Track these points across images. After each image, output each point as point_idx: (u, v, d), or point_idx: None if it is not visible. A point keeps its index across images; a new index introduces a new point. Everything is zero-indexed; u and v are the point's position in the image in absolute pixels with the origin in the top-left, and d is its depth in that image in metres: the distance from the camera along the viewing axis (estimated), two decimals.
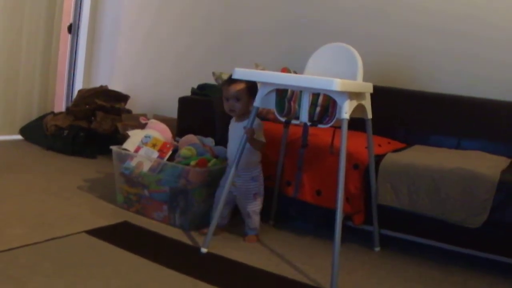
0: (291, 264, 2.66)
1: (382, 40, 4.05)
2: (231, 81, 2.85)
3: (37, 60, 5.35)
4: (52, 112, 5.34)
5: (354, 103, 2.50)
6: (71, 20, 5.92)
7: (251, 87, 2.84)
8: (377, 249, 2.99)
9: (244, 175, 2.89)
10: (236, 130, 2.88)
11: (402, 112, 3.74)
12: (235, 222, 3.09)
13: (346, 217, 2.93)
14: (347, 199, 2.87)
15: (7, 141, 5.00)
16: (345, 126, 2.41)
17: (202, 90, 4.00)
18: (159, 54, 5.50)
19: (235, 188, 2.90)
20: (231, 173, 2.73)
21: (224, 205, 2.78)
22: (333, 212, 2.41)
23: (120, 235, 2.80)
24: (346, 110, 2.40)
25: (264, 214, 3.28)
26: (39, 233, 2.61)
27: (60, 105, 5.95)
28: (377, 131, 3.07)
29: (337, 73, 2.60)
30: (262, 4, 4.73)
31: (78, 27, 5.96)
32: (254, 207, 2.93)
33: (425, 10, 3.88)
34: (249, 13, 4.81)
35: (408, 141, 3.56)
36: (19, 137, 5.17)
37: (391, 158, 2.89)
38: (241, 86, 2.84)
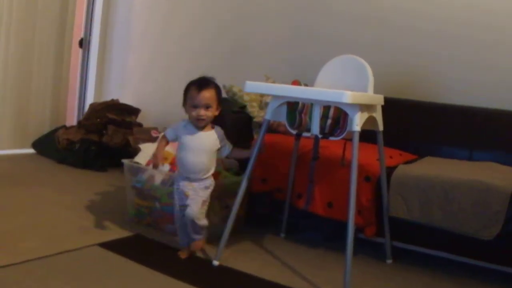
0: (302, 276, 2.65)
1: (393, 51, 4.05)
2: (200, 86, 2.63)
3: (48, 74, 5.40)
4: (64, 126, 5.37)
5: (365, 115, 2.50)
6: (82, 35, 5.97)
7: (220, 93, 2.71)
8: (389, 261, 2.98)
9: (199, 185, 2.71)
10: (197, 140, 2.69)
11: (413, 123, 3.73)
12: (247, 234, 3.09)
13: (358, 229, 2.92)
14: (358, 211, 2.87)
15: (20, 155, 5.03)
16: (356, 138, 2.41)
17: None
18: (169, 68, 5.53)
19: (187, 198, 2.70)
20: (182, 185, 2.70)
21: (181, 225, 2.76)
22: (344, 224, 2.41)
23: (132, 248, 2.80)
24: (357, 122, 2.40)
25: (275, 226, 3.29)
26: (52, 246, 2.62)
27: (72, 119, 5.99)
28: (389, 143, 3.06)
29: (348, 85, 2.61)
30: (272, 16, 4.75)
31: (89, 42, 6.01)
32: (198, 211, 2.68)
33: (436, 21, 3.87)
34: (259, 25, 4.83)
35: (420, 153, 3.55)
36: (32, 150, 5.20)
37: (402, 170, 2.89)
38: (212, 92, 2.65)
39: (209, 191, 2.75)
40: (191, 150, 2.68)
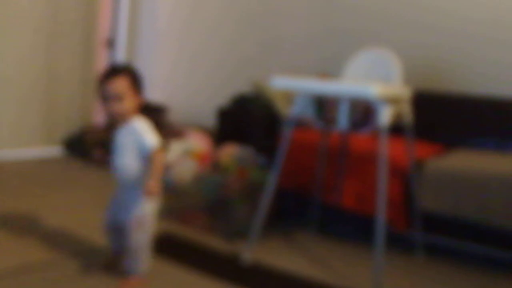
0: (333, 271, 2.64)
1: (420, 43, 4.00)
2: (108, 75, 2.20)
3: (76, 75, 5.45)
4: (92, 126, 5.42)
5: (393, 108, 2.48)
6: (108, 35, 6.02)
7: (135, 80, 2.24)
8: (421, 255, 2.95)
9: (132, 193, 2.23)
10: (120, 137, 2.26)
11: (443, 116, 3.69)
12: (276, 230, 3.08)
13: (388, 223, 2.90)
14: (388, 205, 2.85)
15: (49, 155, 5.08)
16: (384, 131, 2.40)
17: (241, 98, 4.01)
18: (195, 65, 5.54)
19: (121, 210, 2.28)
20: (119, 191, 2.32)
21: (111, 227, 2.36)
22: (374, 219, 2.39)
23: (162, 245, 2.82)
24: (385, 115, 2.38)
25: (304, 221, 3.28)
26: (86, 246, 2.66)
27: (100, 119, 6.04)
28: (418, 136, 3.03)
29: (375, 78, 2.60)
30: (299, 11, 4.73)
31: (116, 42, 6.06)
32: (136, 236, 2.22)
33: (463, 15, 3.82)
34: (286, 19, 4.81)
35: (450, 146, 3.51)
36: (62, 150, 5.26)
37: (433, 163, 2.86)
38: (122, 81, 2.18)
39: (142, 204, 2.22)
40: (116, 150, 2.27)
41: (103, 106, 2.23)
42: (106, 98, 2.19)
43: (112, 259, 2.40)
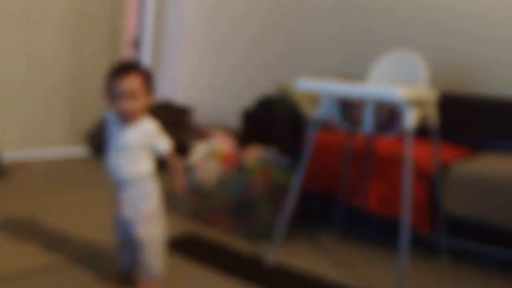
0: (356, 273, 2.64)
1: (445, 46, 3.97)
2: (121, 72, 2.12)
3: (101, 75, 5.49)
4: None
5: (419, 111, 2.47)
6: (134, 35, 6.07)
7: (147, 78, 2.16)
8: (445, 259, 2.93)
9: (133, 194, 2.17)
10: (122, 136, 2.16)
11: (468, 118, 3.65)
12: (300, 231, 3.09)
13: (413, 227, 2.88)
14: (413, 208, 2.83)
15: (75, 154, 5.14)
16: (410, 134, 2.39)
17: (266, 100, 4.02)
18: (220, 66, 5.57)
19: (124, 212, 2.20)
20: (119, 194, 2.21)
21: (122, 239, 2.26)
22: (399, 222, 2.39)
23: (186, 246, 2.84)
24: (410, 118, 2.37)
25: (329, 223, 3.28)
26: (109, 245, 2.69)
27: None
28: (444, 139, 3.01)
29: (401, 80, 2.59)
30: (323, 12, 4.72)
31: (142, 42, 6.11)
32: (146, 233, 2.17)
33: (489, 17, 3.79)
34: (311, 21, 4.80)
35: (475, 148, 3.47)
36: (86, 149, 5.31)
37: (458, 167, 2.84)
38: (136, 78, 2.10)
39: (150, 201, 2.20)
40: (113, 148, 2.20)
41: (112, 104, 2.14)
42: (117, 95, 2.10)
43: (125, 276, 2.29)
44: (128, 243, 2.22)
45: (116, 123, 2.18)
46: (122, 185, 2.17)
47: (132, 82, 2.09)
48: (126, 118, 2.13)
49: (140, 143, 2.14)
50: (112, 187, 2.24)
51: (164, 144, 2.18)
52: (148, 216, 2.16)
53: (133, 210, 2.16)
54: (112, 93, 2.12)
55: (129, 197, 2.17)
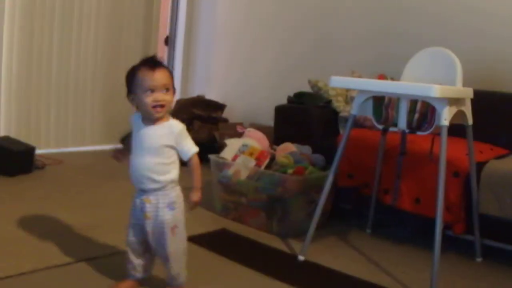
0: (388, 273, 2.62)
1: (481, 43, 3.91)
2: (154, 65, 2.03)
3: None
4: None
5: (454, 109, 2.44)
6: (167, 33, 6.12)
7: (172, 75, 2.12)
8: (479, 259, 2.89)
9: (158, 200, 2.07)
10: (145, 135, 2.08)
11: (504, 116, 3.59)
12: (332, 229, 3.08)
13: (446, 226, 2.86)
14: (447, 207, 2.80)
15: (109, 151, 5.20)
16: (444, 133, 2.37)
17: (299, 97, 4.02)
18: (252, 63, 5.58)
19: (147, 221, 2.07)
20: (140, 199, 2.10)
21: (136, 249, 2.15)
22: (432, 221, 2.37)
23: (219, 242, 2.86)
24: (445, 116, 2.35)
25: (361, 221, 3.27)
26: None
27: None
28: (479, 137, 2.97)
29: (435, 78, 2.56)
30: (355, 11, 4.69)
31: (175, 39, 6.15)
32: (174, 245, 2.09)
33: None
34: (343, 19, 4.78)
35: (511, 147, 3.42)
36: (120, 146, 5.36)
37: (493, 166, 2.80)
38: (167, 72, 2.06)
39: (176, 211, 2.10)
40: (137, 150, 2.12)
41: (142, 98, 2.01)
42: (150, 89, 1.99)
43: (133, 286, 2.18)
44: (144, 253, 2.15)
45: (140, 125, 2.10)
46: (146, 191, 2.07)
47: (166, 75, 2.03)
48: (157, 113, 2.01)
49: (160, 142, 2.04)
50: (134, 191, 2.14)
51: (190, 146, 2.10)
52: (172, 228, 2.07)
53: (158, 221, 2.06)
54: (143, 87, 2.00)
55: (153, 204, 2.06)
